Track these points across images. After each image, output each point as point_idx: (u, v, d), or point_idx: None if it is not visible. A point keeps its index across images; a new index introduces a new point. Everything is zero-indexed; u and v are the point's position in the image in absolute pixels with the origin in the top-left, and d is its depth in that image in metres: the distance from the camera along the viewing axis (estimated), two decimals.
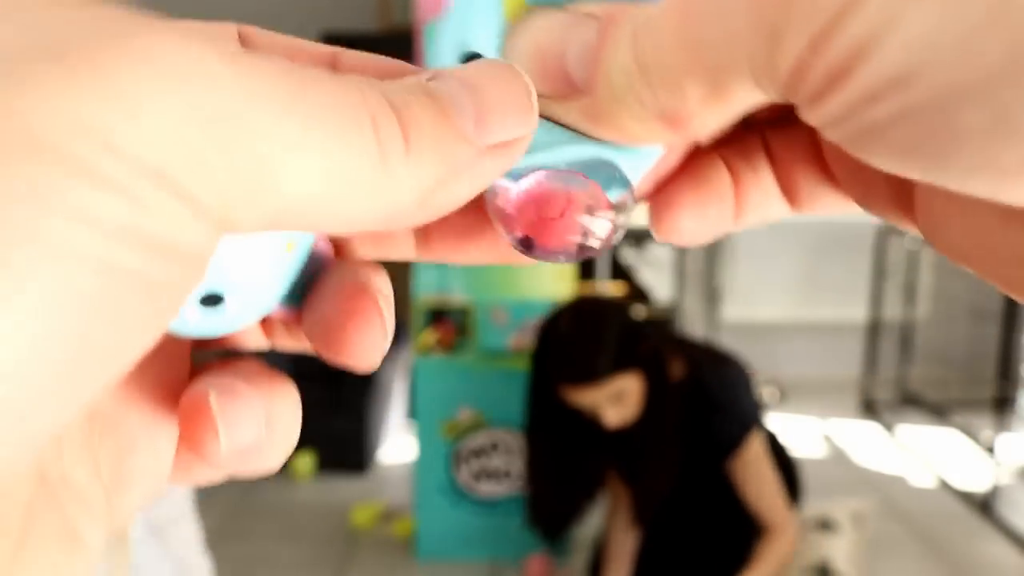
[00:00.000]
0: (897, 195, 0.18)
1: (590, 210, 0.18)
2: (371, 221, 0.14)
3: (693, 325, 3.03)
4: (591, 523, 1.75)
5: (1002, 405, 2.40)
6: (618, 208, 0.18)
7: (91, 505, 0.15)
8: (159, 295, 0.11)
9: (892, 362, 2.98)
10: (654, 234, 0.19)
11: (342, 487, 2.33)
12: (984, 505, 2.21)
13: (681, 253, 2.98)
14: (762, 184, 0.20)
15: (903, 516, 2.18)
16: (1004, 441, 2.32)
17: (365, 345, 0.17)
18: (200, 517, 1.11)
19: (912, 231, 0.18)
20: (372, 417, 2.44)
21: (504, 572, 1.96)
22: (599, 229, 0.18)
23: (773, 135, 0.20)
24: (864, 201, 0.19)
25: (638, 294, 2.92)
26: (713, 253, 3.09)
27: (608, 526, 1.49)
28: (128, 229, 0.11)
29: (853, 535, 1.46)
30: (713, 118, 0.15)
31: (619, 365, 1.23)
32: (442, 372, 1.88)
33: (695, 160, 0.19)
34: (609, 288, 2.59)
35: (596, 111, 0.16)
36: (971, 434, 2.56)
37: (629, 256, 3.00)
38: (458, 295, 1.84)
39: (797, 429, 2.69)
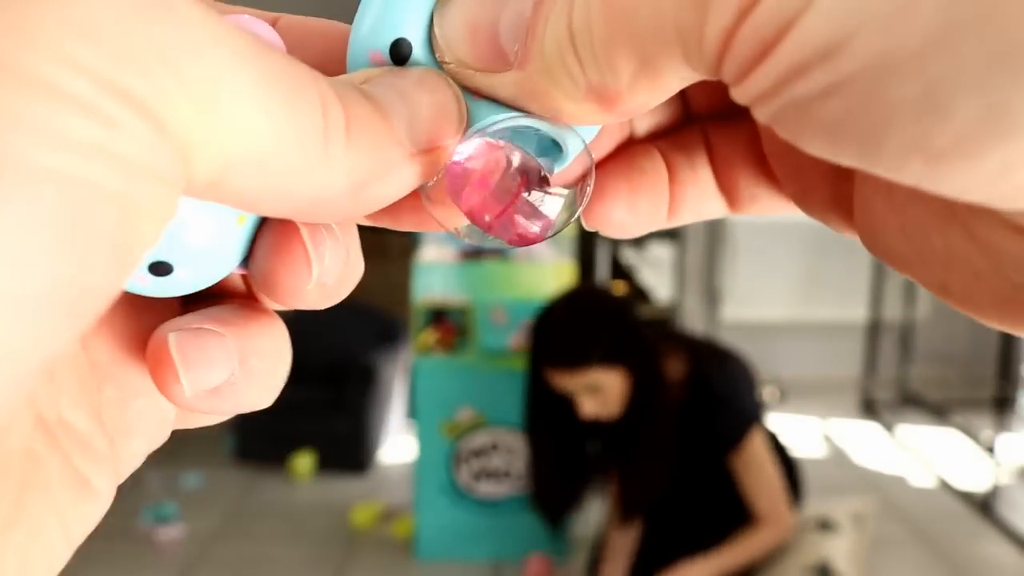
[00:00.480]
0: (836, 196, 0.17)
1: (536, 185, 0.17)
2: (301, 201, 0.14)
3: (693, 325, 3.03)
4: (591, 523, 1.75)
5: (1002, 405, 2.40)
6: (568, 186, 0.18)
7: (94, 450, 0.15)
8: (136, 218, 0.11)
9: (892, 362, 2.99)
10: (584, 222, 0.19)
11: (342, 487, 2.33)
12: (984, 505, 2.21)
13: (681, 253, 2.98)
14: (699, 181, 0.19)
15: (903, 516, 2.18)
16: (1004, 441, 2.32)
17: (291, 282, 0.17)
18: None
19: (851, 235, 0.17)
20: (372, 417, 2.44)
21: (504, 572, 1.96)
22: (547, 207, 0.17)
23: (714, 131, 0.19)
24: (803, 202, 0.18)
25: (638, 294, 2.92)
26: (713, 253, 3.09)
27: (607, 524, 1.50)
28: (101, 147, 0.10)
29: (853, 535, 1.46)
30: (645, 96, 0.15)
31: (602, 359, 1.24)
32: (442, 372, 1.88)
33: (631, 150, 0.19)
34: (609, 288, 2.59)
35: (527, 85, 0.16)
36: (971, 434, 2.56)
37: (629, 256, 3.00)
38: (458, 295, 1.84)
39: (797, 429, 2.69)
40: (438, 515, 1.96)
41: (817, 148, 0.13)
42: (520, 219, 0.17)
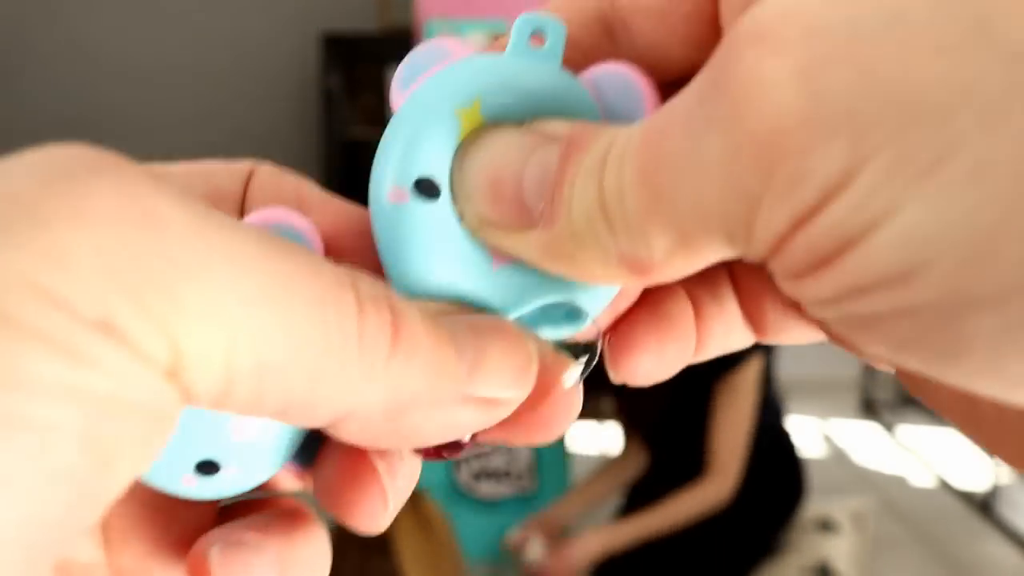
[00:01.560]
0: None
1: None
2: (329, 412, 0.13)
3: None
4: (591, 523, 1.75)
5: None
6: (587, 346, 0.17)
7: None
8: (106, 456, 0.10)
9: None
10: (610, 374, 0.18)
11: None
12: (984, 505, 2.21)
13: None
14: (726, 315, 0.18)
15: (903, 516, 2.18)
16: None
17: (366, 513, 0.16)
18: None
19: (886, 369, 0.16)
20: None
21: (504, 572, 1.96)
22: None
23: (738, 262, 0.18)
24: (833, 336, 0.17)
25: None
26: None
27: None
28: (71, 388, 0.10)
29: (853, 536, 1.46)
30: (680, 268, 0.14)
31: None
32: None
33: (656, 293, 0.18)
34: None
35: (552, 248, 0.15)
36: None
37: None
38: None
39: (797, 429, 2.69)
40: None
41: (875, 353, 0.12)
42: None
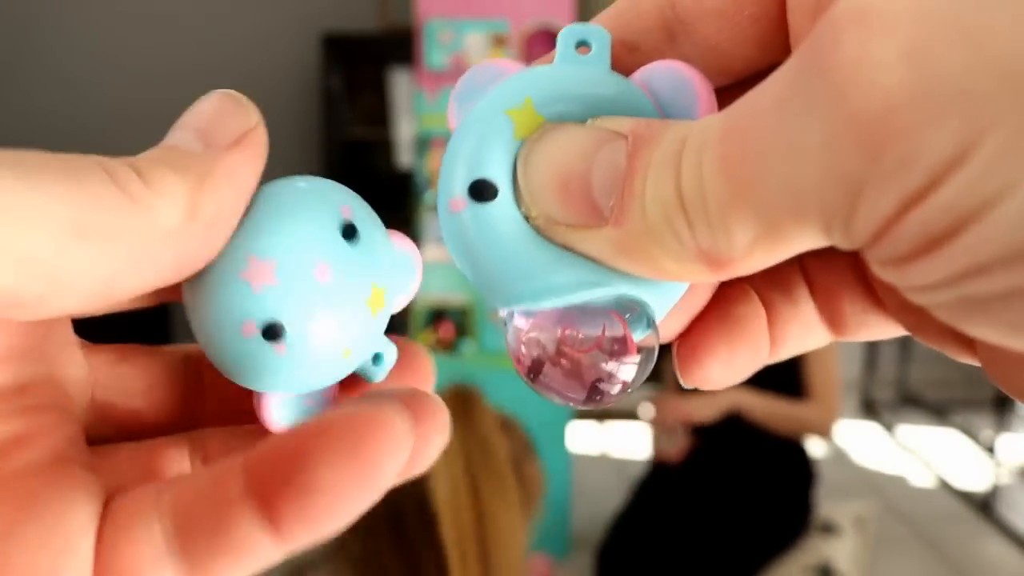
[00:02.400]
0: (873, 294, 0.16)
1: (613, 355, 0.16)
2: (160, 256, 0.14)
3: None
4: (591, 522, 1.75)
5: (1002, 405, 2.40)
6: (643, 351, 0.16)
7: None
8: None
9: (892, 362, 2.98)
10: (680, 379, 0.18)
11: None
12: (984, 505, 2.21)
13: None
14: (801, 315, 0.18)
15: (903, 516, 2.18)
16: (1004, 441, 2.32)
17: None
18: None
19: (971, 362, 0.16)
20: None
21: None
22: (623, 373, 0.16)
23: (811, 259, 0.18)
24: (919, 330, 0.17)
25: None
26: None
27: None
28: None
29: (855, 538, 1.46)
30: (761, 260, 0.13)
31: None
32: (442, 372, 1.87)
33: (725, 296, 0.18)
34: None
35: (625, 244, 0.14)
36: (971, 434, 2.56)
37: None
38: (458, 295, 1.84)
39: None
40: None
41: (986, 337, 0.12)
42: (599, 385, 0.16)
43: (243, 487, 0.13)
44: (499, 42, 1.85)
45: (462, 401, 0.86)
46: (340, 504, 0.13)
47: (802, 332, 0.18)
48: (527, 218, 0.16)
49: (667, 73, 0.17)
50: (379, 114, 2.50)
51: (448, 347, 1.86)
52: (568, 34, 0.17)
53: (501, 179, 0.16)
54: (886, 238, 0.12)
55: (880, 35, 0.11)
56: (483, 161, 0.16)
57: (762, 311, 0.17)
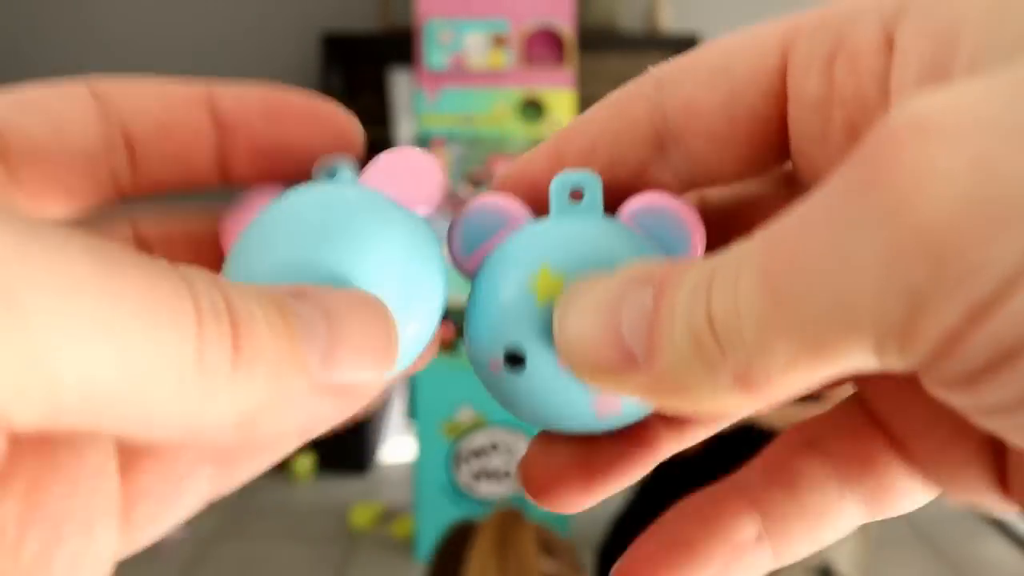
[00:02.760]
0: (989, 468, 0.15)
1: None
2: (176, 430, 0.12)
3: None
4: (591, 522, 1.75)
5: None
6: None
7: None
8: None
9: None
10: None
11: (342, 487, 2.33)
12: None
13: None
14: (809, 511, 0.17)
15: (904, 516, 2.18)
16: None
17: None
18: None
19: (1008, 509, 0.15)
20: (372, 417, 2.44)
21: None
22: None
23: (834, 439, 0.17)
24: (952, 481, 0.16)
25: None
26: None
27: None
28: None
29: (855, 538, 1.46)
30: (800, 381, 0.13)
31: None
32: (442, 372, 1.88)
33: (692, 521, 0.18)
34: None
35: (659, 384, 0.14)
36: None
37: None
38: (458, 295, 1.84)
39: None
40: (438, 515, 1.96)
41: None
42: None
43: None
44: (499, 42, 1.85)
45: (506, 524, 0.89)
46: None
47: (810, 526, 0.17)
48: (571, 371, 0.16)
49: (656, 210, 0.18)
50: (379, 114, 2.50)
51: (448, 347, 1.86)
52: (561, 184, 0.19)
53: (530, 345, 0.18)
54: (953, 353, 0.11)
55: (943, 145, 0.11)
56: (511, 330, 0.18)
57: (729, 536, 0.17)
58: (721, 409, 0.14)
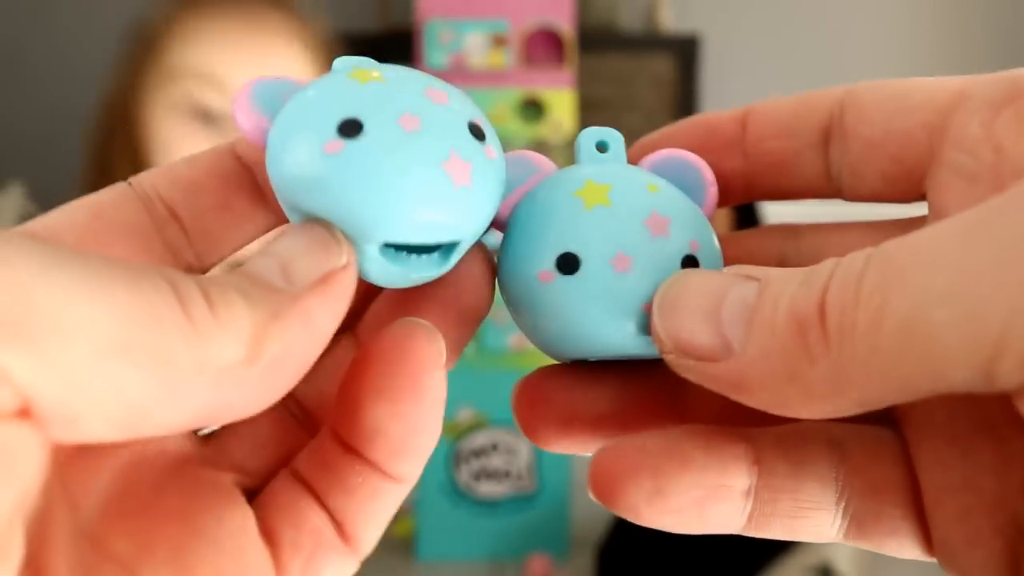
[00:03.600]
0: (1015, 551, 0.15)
1: None
2: (207, 394, 0.13)
3: None
4: (591, 522, 1.75)
5: None
6: None
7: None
8: None
9: None
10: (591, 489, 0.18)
11: None
12: None
13: None
14: (803, 494, 0.17)
15: None
16: None
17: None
18: None
19: None
20: None
21: (504, 572, 1.96)
22: None
23: (856, 449, 0.18)
24: (953, 558, 0.16)
25: None
26: None
27: None
28: None
29: None
30: (896, 390, 0.13)
31: None
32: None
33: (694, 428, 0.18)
34: None
35: (749, 372, 0.14)
36: None
37: None
38: None
39: None
40: (438, 515, 1.96)
41: None
42: None
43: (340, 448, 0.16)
44: (499, 42, 1.85)
45: None
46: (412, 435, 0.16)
47: (794, 511, 0.17)
48: (660, 351, 0.17)
49: (675, 162, 0.19)
50: None
51: None
52: (588, 136, 0.21)
53: (582, 248, 0.18)
54: None
55: None
56: (564, 237, 0.18)
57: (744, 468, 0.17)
58: (802, 406, 0.14)
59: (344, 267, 0.15)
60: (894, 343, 0.12)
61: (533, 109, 1.89)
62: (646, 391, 0.19)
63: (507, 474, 1.95)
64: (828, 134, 0.19)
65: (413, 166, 0.16)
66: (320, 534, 0.16)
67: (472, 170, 0.17)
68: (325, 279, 0.15)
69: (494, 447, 1.95)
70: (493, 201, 0.18)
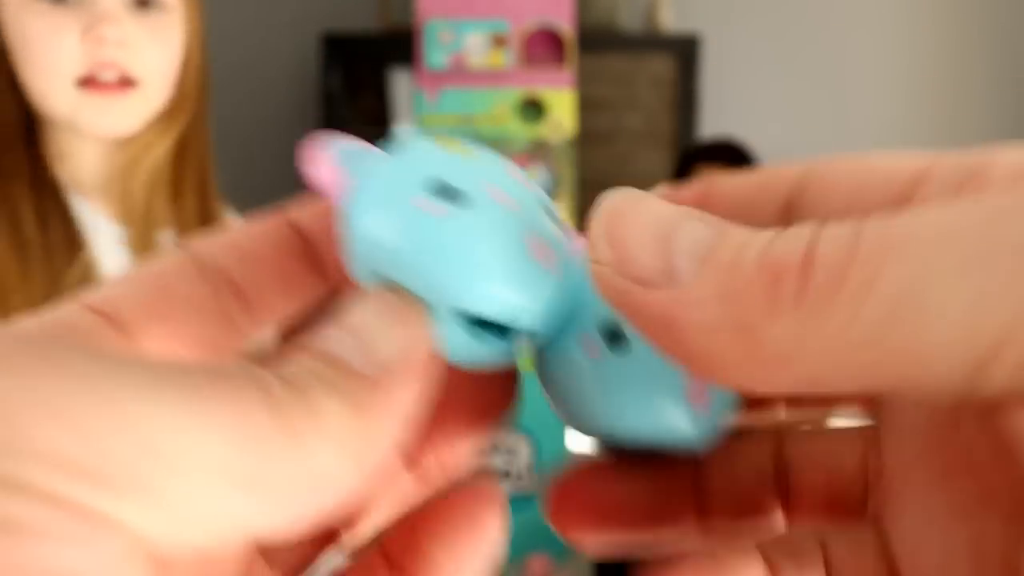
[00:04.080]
0: None
1: None
2: (311, 501, 0.12)
3: None
4: None
5: None
6: None
7: None
8: None
9: None
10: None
11: None
12: None
13: None
14: None
15: None
16: None
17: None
18: None
19: None
20: None
21: (504, 572, 1.95)
22: None
23: (839, 548, 0.17)
24: None
25: None
26: None
27: None
28: None
29: None
30: (865, 377, 0.12)
31: None
32: None
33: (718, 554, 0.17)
34: None
35: (679, 312, 0.13)
36: None
37: None
38: None
39: None
40: None
41: None
42: None
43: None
44: (499, 42, 1.85)
45: None
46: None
47: None
48: (590, 263, 0.15)
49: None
50: (379, 114, 2.49)
51: None
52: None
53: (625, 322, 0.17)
54: None
55: None
56: (606, 305, 0.15)
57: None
58: (736, 366, 0.13)
59: (421, 341, 0.15)
60: (879, 315, 0.11)
61: (533, 109, 1.89)
62: (671, 486, 0.19)
63: (507, 474, 1.95)
64: (789, 213, 0.18)
65: (510, 241, 0.16)
66: None
67: (555, 256, 0.17)
68: (407, 359, 0.14)
69: (494, 447, 1.94)
70: (565, 291, 0.17)
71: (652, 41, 2.39)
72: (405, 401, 0.14)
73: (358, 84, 2.58)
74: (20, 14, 0.72)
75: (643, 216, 0.14)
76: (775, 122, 2.38)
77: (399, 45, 2.34)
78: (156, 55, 0.80)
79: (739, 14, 2.42)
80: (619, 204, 0.15)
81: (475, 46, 1.85)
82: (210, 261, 0.17)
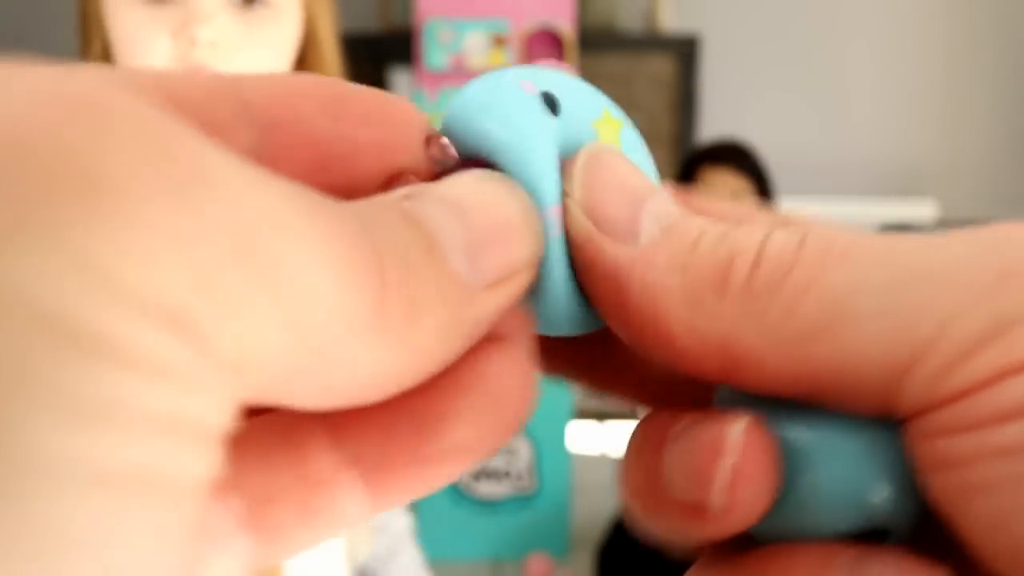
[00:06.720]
0: None
1: None
2: (361, 380, 0.11)
3: None
4: (591, 522, 1.75)
5: None
6: None
7: None
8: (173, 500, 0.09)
9: None
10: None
11: None
12: None
13: None
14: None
15: None
16: None
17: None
18: None
19: None
20: None
21: (504, 572, 1.96)
22: None
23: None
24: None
25: None
26: None
27: None
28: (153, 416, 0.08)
29: None
30: (799, 369, 0.12)
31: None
32: None
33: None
34: None
35: (633, 271, 0.13)
36: None
37: None
38: None
39: None
40: (438, 515, 1.96)
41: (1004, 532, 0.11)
42: None
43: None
44: (499, 42, 1.85)
45: None
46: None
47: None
48: (563, 198, 0.15)
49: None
50: None
51: None
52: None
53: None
54: (992, 387, 0.11)
55: None
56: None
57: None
58: (673, 335, 0.13)
59: (525, 269, 0.14)
60: (813, 314, 0.12)
61: None
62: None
63: (507, 474, 1.95)
64: None
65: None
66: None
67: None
68: (507, 280, 0.13)
69: None
70: None
71: (652, 41, 2.39)
72: (484, 322, 0.13)
73: (358, 84, 2.58)
74: (116, 14, 0.69)
75: (624, 174, 0.15)
76: (775, 122, 2.38)
77: (399, 45, 2.34)
78: (254, 57, 0.70)
79: (739, 14, 2.42)
80: (607, 154, 0.15)
81: (475, 46, 1.85)
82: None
